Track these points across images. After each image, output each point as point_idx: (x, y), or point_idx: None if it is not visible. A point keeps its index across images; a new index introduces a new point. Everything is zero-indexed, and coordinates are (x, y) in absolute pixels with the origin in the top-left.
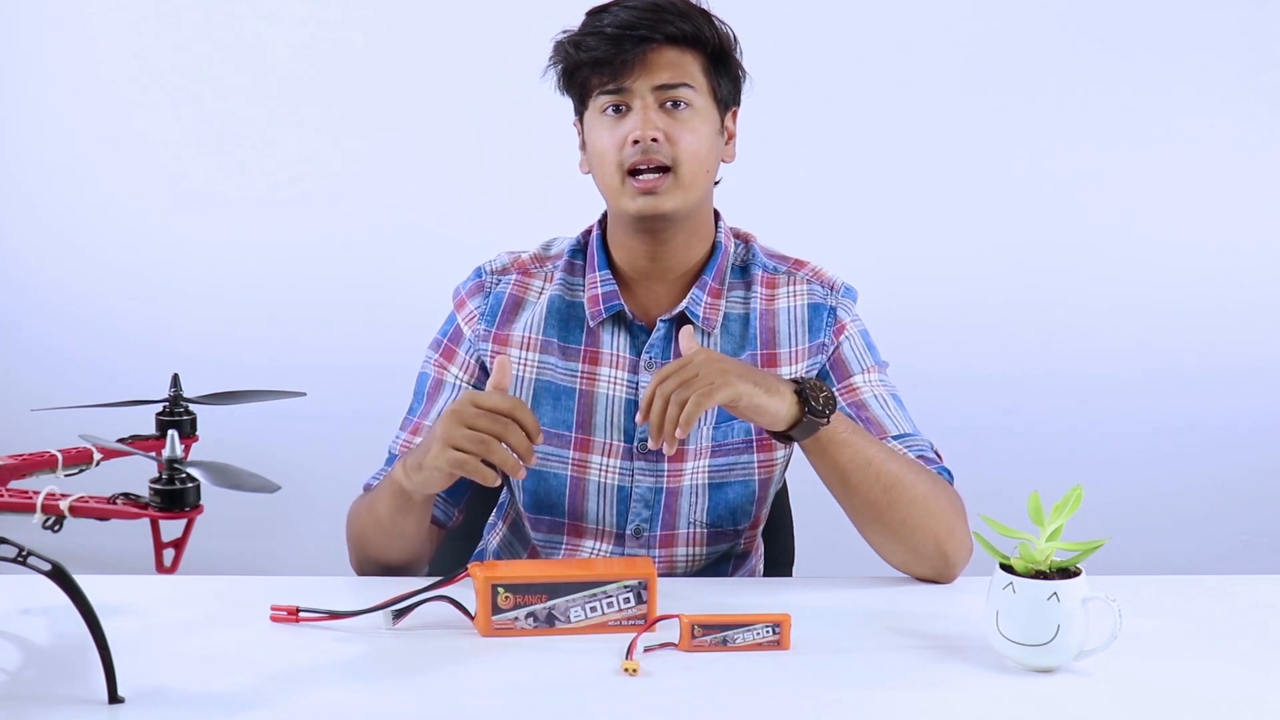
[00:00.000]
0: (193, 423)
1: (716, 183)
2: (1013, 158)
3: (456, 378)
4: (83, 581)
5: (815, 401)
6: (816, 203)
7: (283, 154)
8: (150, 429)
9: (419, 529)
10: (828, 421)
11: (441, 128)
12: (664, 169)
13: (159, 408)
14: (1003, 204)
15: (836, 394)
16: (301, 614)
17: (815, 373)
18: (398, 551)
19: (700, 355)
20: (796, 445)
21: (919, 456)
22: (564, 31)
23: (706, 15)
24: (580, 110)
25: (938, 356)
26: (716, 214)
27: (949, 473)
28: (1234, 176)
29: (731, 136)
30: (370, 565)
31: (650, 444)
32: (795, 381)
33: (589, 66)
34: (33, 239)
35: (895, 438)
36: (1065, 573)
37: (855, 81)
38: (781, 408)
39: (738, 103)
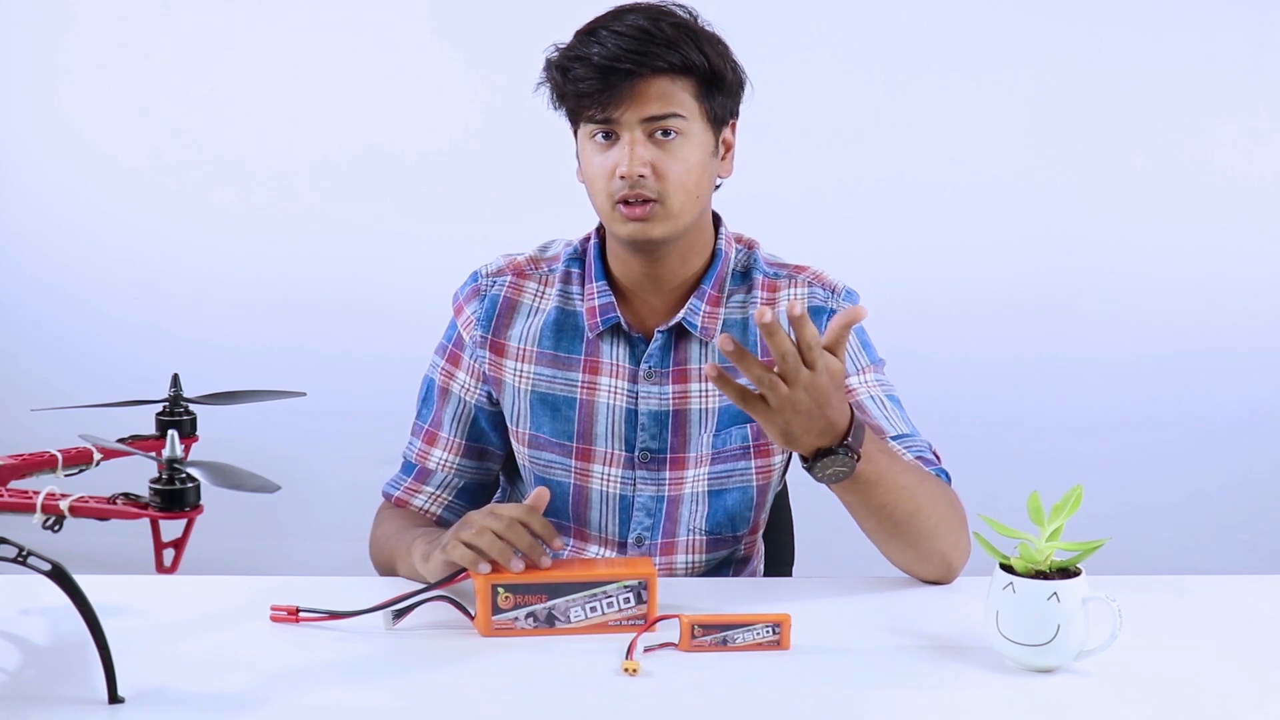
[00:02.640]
0: (193, 423)
1: (716, 188)
2: (1011, 155)
3: (464, 384)
4: (83, 581)
5: (827, 466)
6: (813, 204)
7: (285, 153)
8: (150, 429)
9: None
10: (830, 483)
11: (445, 126)
12: (653, 201)
13: (159, 408)
14: (1002, 203)
15: (855, 458)
16: (301, 614)
17: None
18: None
19: (818, 382)
20: (792, 452)
21: (919, 458)
22: (554, 47)
23: (696, 38)
24: (573, 127)
25: (937, 356)
26: (717, 220)
27: (947, 474)
28: (1238, 168)
29: (729, 149)
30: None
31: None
32: (845, 431)
33: (575, 97)
34: (33, 239)
35: (894, 438)
36: (1065, 573)
37: (854, 70)
38: (805, 448)
39: (735, 115)
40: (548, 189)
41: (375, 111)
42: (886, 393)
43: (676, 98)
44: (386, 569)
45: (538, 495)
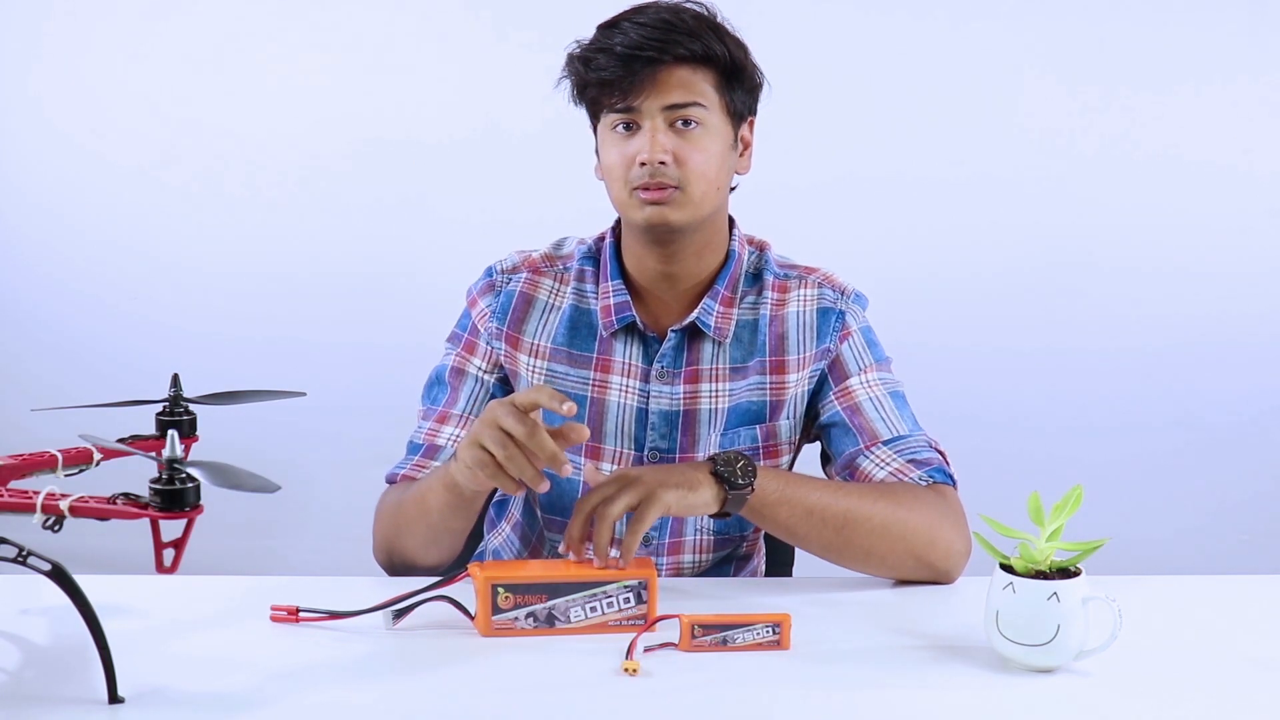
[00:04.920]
0: (193, 423)
1: (732, 189)
2: (1014, 153)
3: (479, 368)
4: (83, 581)
5: (733, 478)
6: (807, 196)
7: (289, 147)
8: (150, 429)
9: (466, 526)
10: (752, 489)
11: (452, 120)
12: (673, 188)
13: (159, 408)
14: (1003, 204)
15: (753, 459)
16: (301, 614)
17: (817, 379)
18: (438, 551)
19: (617, 474)
20: (799, 452)
21: (910, 460)
22: (576, 42)
23: (718, 31)
24: (594, 122)
25: (938, 356)
26: (731, 221)
27: (945, 473)
28: (1244, 156)
29: (747, 146)
30: (400, 561)
31: (596, 563)
32: (710, 461)
33: (598, 86)
34: (33, 237)
35: (886, 442)
36: (1065, 573)
37: (851, 64)
38: (707, 497)
39: (754, 112)
40: (558, 186)
41: (381, 105)
42: (889, 390)
43: (698, 87)
44: (396, 535)
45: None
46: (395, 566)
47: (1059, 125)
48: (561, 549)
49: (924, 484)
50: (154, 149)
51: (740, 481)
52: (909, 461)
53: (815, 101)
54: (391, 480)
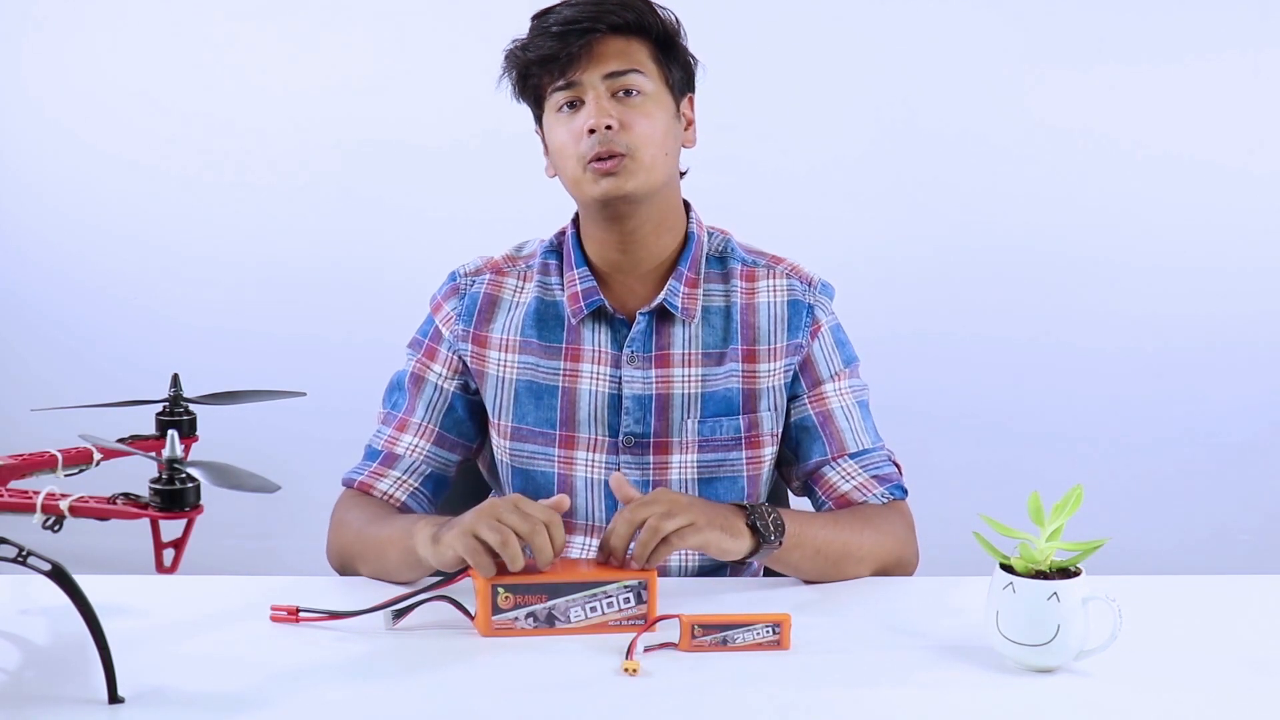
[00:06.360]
0: (192, 423)
1: (683, 174)
2: (1013, 146)
3: (439, 374)
4: (83, 581)
5: (767, 532)
6: (796, 185)
7: (291, 150)
8: (150, 429)
9: (419, 577)
10: (780, 544)
11: (459, 125)
12: (622, 155)
13: (159, 408)
14: (1001, 203)
15: (778, 510)
16: (301, 614)
17: (790, 375)
18: (388, 580)
19: (664, 495)
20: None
21: (874, 475)
22: (513, 41)
23: (649, 3)
24: (538, 115)
25: (938, 357)
26: (687, 205)
27: (903, 488)
28: (1248, 164)
29: (690, 123)
30: (353, 574)
31: (635, 564)
32: (744, 511)
33: (538, 65)
34: (33, 236)
35: (852, 455)
36: (1065, 573)
37: (836, 53)
38: (743, 546)
39: (692, 89)
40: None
41: (387, 103)
42: (857, 398)
43: (635, 56)
44: (349, 559)
45: (559, 501)
46: (348, 575)
47: (1058, 118)
48: (599, 557)
49: (885, 501)
50: (155, 145)
51: (773, 538)
52: (873, 477)
53: (812, 93)
54: (348, 484)
